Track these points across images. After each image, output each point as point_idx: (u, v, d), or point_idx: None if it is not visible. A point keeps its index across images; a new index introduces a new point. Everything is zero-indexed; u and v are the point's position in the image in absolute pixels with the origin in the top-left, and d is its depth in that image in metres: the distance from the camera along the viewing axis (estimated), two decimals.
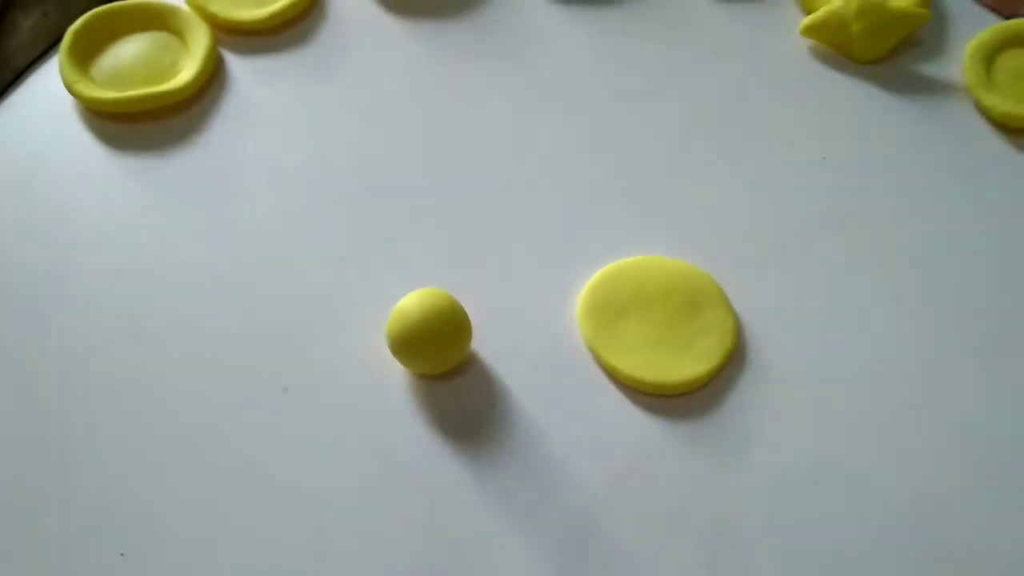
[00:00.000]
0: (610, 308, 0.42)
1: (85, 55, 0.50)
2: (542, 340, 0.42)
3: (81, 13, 0.51)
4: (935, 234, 0.46)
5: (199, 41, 0.50)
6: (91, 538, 0.36)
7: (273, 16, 0.51)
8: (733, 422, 0.39)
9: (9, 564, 0.36)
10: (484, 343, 0.41)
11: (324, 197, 0.46)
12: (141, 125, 0.48)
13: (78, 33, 0.50)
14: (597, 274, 0.43)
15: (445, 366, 0.40)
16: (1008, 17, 0.53)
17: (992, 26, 0.52)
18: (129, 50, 0.50)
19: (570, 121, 0.49)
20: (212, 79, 0.50)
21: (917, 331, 0.42)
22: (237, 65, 0.51)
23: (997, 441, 0.39)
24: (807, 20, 0.52)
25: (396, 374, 0.40)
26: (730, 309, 0.42)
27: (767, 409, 0.40)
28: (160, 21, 0.51)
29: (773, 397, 0.40)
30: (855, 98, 0.51)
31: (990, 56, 0.51)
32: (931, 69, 0.52)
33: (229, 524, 0.37)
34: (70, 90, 0.48)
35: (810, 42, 0.53)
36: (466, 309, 0.39)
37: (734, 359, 0.41)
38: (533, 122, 0.49)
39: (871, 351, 0.42)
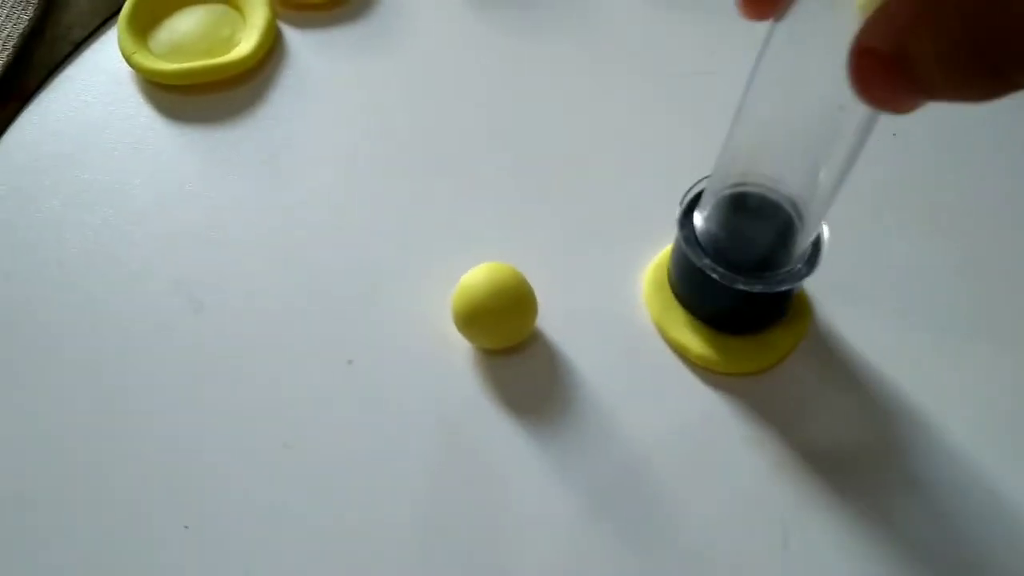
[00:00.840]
0: None
1: (143, 27, 0.50)
2: (608, 317, 0.41)
3: None
4: (1008, 211, 0.44)
5: (258, 13, 0.50)
6: (154, 511, 0.36)
7: None
8: (804, 402, 0.38)
9: (75, 536, 0.36)
10: (549, 319, 0.40)
11: (386, 170, 0.45)
12: (199, 97, 0.48)
13: (137, 4, 0.50)
14: (664, 250, 0.42)
15: (510, 341, 0.39)
16: None
17: None
18: (188, 22, 0.50)
19: (635, 95, 0.48)
20: (271, 52, 0.50)
21: (986, 310, 0.41)
22: (295, 38, 0.51)
23: None
24: None
25: (461, 348, 0.39)
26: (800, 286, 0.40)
27: (839, 391, 0.39)
28: None
29: (846, 378, 0.39)
30: None
31: None
32: None
33: (290, 496, 0.36)
34: (129, 61, 0.48)
35: None
36: (531, 284, 0.39)
37: (807, 339, 0.40)
38: (598, 96, 0.48)
39: (946, 336, 0.40)
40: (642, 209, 0.44)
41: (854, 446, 0.37)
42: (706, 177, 0.36)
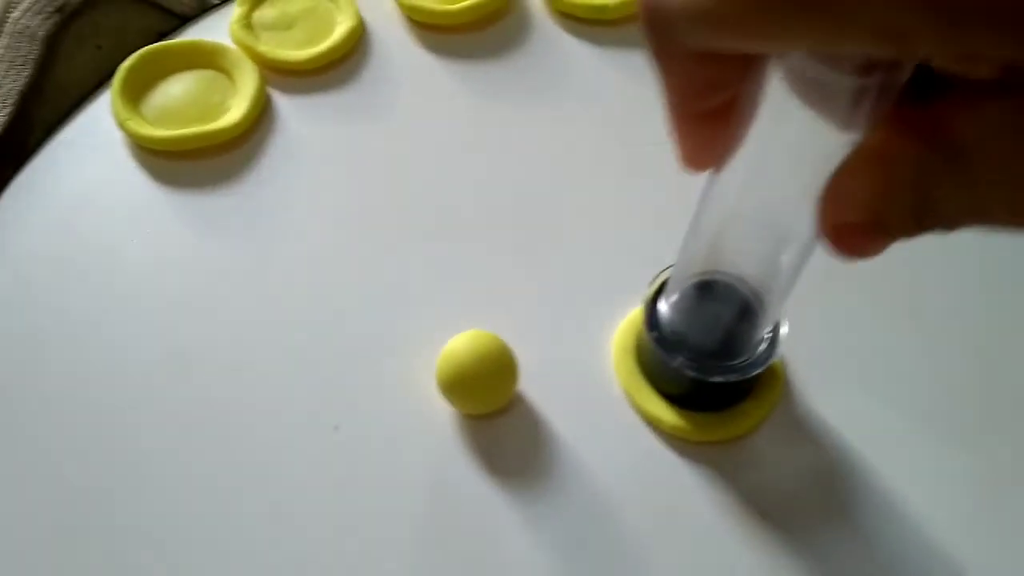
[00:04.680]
0: None
1: (136, 92, 0.51)
2: (584, 382, 0.42)
3: (134, 46, 0.52)
4: (971, 271, 0.46)
5: (247, 80, 0.51)
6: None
7: (320, 56, 0.53)
8: (774, 470, 0.40)
9: None
10: (530, 383, 0.42)
11: (372, 237, 0.47)
12: (191, 162, 0.49)
13: (130, 71, 0.51)
14: (630, 314, 0.44)
15: (492, 406, 0.41)
16: None
17: None
18: (179, 88, 0.51)
19: (612, 161, 0.50)
20: (260, 118, 0.51)
21: (954, 392, 0.43)
22: (285, 104, 0.52)
23: None
24: None
25: (444, 413, 0.41)
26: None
27: (809, 459, 0.40)
28: (209, 60, 0.52)
29: (815, 448, 0.40)
30: None
31: None
32: None
33: (278, 565, 0.38)
34: (122, 127, 0.49)
35: None
36: (512, 350, 0.40)
37: (780, 407, 0.41)
38: (578, 163, 0.50)
39: (913, 401, 0.42)
40: (622, 272, 0.45)
41: (822, 516, 0.39)
42: (669, 267, 0.38)
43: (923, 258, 0.47)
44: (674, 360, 0.38)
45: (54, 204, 0.48)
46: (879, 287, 0.45)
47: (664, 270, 0.39)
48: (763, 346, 0.38)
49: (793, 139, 0.26)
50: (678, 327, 0.38)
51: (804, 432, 0.41)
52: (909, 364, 0.43)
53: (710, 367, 0.37)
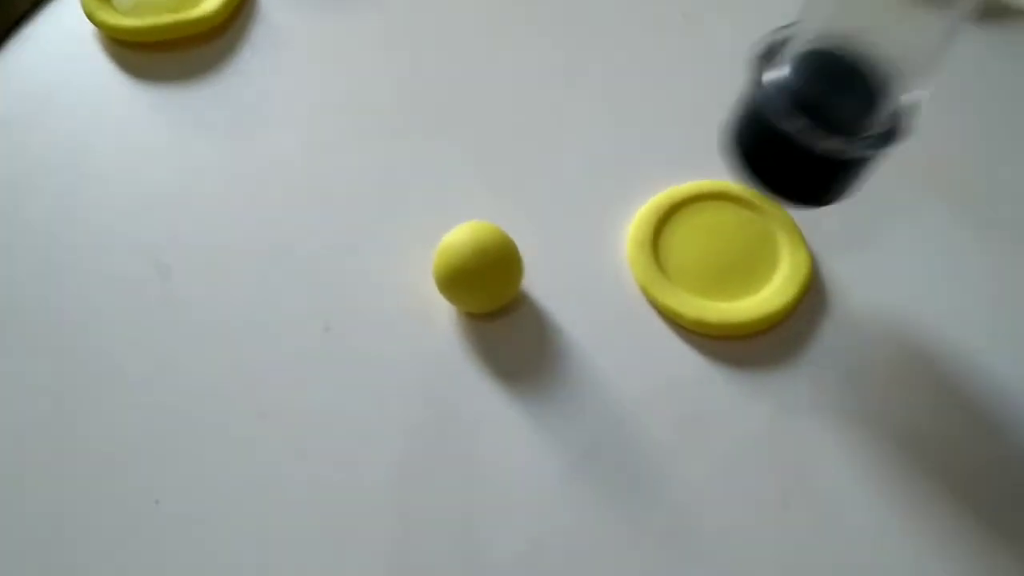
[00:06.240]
0: (664, 241, 0.39)
1: None
2: (597, 278, 0.39)
3: None
4: (1006, 162, 0.43)
5: None
6: (123, 486, 0.34)
7: None
8: (798, 363, 0.37)
9: (43, 513, 0.34)
10: (536, 280, 0.38)
11: (362, 128, 0.43)
12: (166, 55, 0.46)
13: None
14: (646, 204, 0.40)
15: (495, 304, 0.37)
16: None
17: None
18: None
19: (618, 48, 0.47)
20: (240, 7, 0.47)
21: (994, 268, 0.40)
22: None
23: None
24: None
25: (443, 312, 0.38)
26: (801, 239, 0.39)
27: (840, 353, 0.37)
28: None
29: (847, 340, 0.37)
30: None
31: None
32: None
33: (267, 466, 0.35)
34: (91, 18, 0.46)
35: None
36: (516, 244, 0.37)
37: (806, 298, 0.38)
38: (580, 50, 0.47)
39: (944, 294, 0.39)
40: (629, 165, 0.42)
41: (852, 404, 0.36)
42: (781, 27, 0.32)
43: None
44: (792, 124, 0.30)
45: (19, 102, 0.45)
46: (910, 170, 0.42)
47: (777, 30, 0.32)
48: (890, 123, 0.31)
49: None
50: (802, 91, 0.31)
51: (830, 325, 0.38)
52: (939, 244, 0.40)
53: (839, 131, 0.30)
